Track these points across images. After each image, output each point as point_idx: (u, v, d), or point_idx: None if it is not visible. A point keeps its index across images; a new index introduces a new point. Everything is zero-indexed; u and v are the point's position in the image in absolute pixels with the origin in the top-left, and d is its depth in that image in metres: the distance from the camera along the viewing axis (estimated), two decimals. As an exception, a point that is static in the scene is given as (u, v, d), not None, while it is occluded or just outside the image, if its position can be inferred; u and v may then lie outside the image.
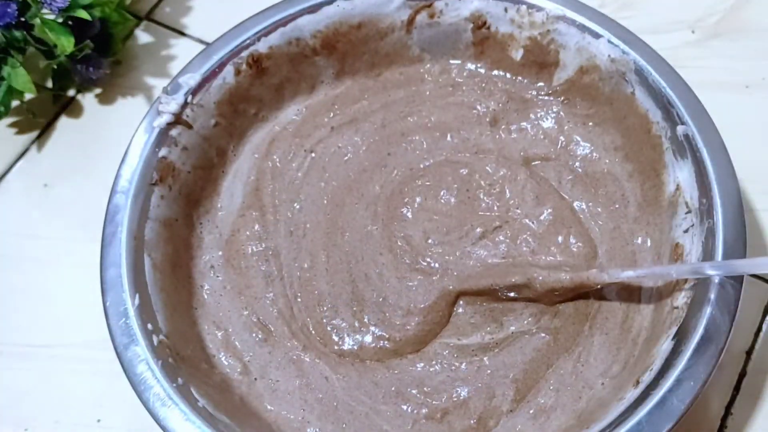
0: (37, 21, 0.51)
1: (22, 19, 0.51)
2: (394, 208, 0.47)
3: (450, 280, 0.44)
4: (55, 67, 0.55)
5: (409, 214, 0.47)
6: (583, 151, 0.48)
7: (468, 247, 0.45)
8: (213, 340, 0.43)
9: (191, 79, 0.46)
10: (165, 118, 0.44)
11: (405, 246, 0.45)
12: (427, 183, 0.47)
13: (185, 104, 0.45)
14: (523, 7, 0.47)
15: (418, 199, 0.47)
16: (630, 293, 0.43)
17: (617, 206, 0.46)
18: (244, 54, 0.47)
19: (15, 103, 0.54)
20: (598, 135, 0.48)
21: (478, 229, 0.45)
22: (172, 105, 0.45)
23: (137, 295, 0.40)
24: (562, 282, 0.41)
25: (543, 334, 0.42)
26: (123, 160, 0.44)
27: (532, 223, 0.46)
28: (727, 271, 0.36)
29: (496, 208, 0.46)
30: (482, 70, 0.51)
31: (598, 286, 0.42)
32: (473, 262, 0.44)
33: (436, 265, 0.45)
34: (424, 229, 0.46)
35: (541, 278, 0.41)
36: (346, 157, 0.49)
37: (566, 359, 0.42)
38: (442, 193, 0.47)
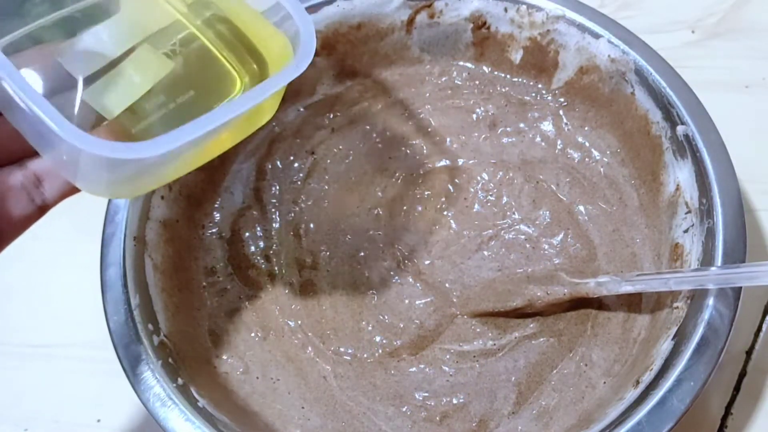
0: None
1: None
2: (396, 215, 0.47)
3: (450, 305, 0.44)
4: (56, 67, 0.55)
5: (410, 224, 0.47)
6: (581, 154, 0.48)
7: (467, 263, 0.45)
8: (214, 340, 0.43)
9: (191, 80, 0.46)
10: (165, 119, 0.44)
11: (407, 255, 0.46)
12: (427, 192, 0.48)
13: (185, 104, 0.45)
14: (523, 7, 0.47)
15: (419, 208, 0.47)
16: (630, 294, 0.43)
17: (615, 208, 0.46)
18: (244, 54, 0.47)
19: (16, 103, 0.55)
20: (597, 137, 0.48)
21: (477, 240, 0.46)
22: (173, 105, 0.45)
23: (137, 295, 0.40)
24: (562, 298, 0.42)
25: (547, 338, 0.42)
26: (123, 161, 0.44)
27: (529, 227, 0.46)
28: (725, 284, 0.36)
29: (493, 215, 0.46)
30: (482, 72, 0.51)
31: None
32: (473, 280, 0.45)
33: (437, 282, 0.45)
34: (425, 242, 0.46)
35: (539, 294, 0.42)
36: (347, 160, 0.49)
37: (569, 360, 0.42)
38: (441, 202, 0.47)
